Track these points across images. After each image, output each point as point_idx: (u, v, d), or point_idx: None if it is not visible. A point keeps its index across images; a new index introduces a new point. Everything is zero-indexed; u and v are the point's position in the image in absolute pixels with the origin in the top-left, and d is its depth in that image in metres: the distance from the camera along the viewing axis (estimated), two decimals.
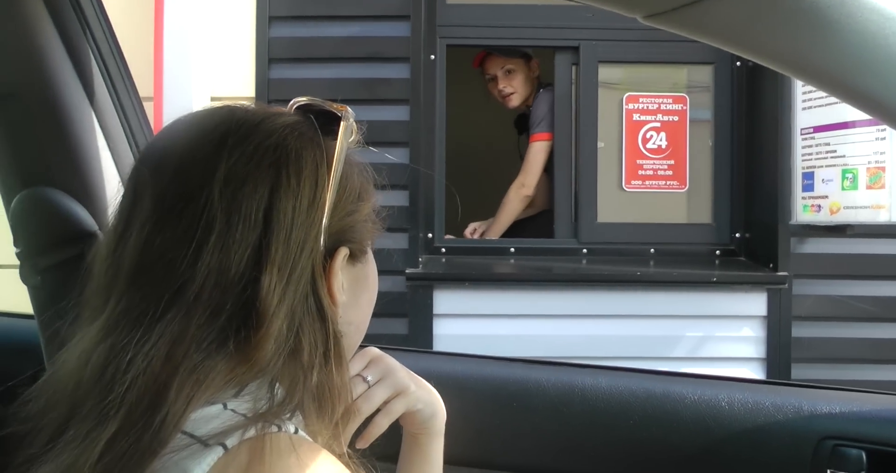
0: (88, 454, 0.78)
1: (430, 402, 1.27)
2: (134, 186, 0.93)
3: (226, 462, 0.77)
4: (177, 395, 0.80)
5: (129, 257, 0.88)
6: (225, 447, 0.78)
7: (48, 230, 1.47)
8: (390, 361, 1.23)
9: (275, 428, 0.81)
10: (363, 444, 1.15)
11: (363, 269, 1.05)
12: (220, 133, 0.91)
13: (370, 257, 1.07)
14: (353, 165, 1.01)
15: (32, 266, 1.49)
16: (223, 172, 0.88)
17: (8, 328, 1.85)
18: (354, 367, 1.18)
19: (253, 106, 0.98)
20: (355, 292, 1.02)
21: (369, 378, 1.19)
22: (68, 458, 0.80)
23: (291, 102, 1.02)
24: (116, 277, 0.89)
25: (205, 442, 0.79)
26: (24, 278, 1.51)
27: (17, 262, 1.51)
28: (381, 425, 1.19)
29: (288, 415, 0.85)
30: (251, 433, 0.79)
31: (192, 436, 0.80)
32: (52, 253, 1.46)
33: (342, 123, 0.97)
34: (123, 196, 0.94)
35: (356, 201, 1.00)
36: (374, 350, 1.24)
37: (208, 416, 0.82)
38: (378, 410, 1.20)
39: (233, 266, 0.86)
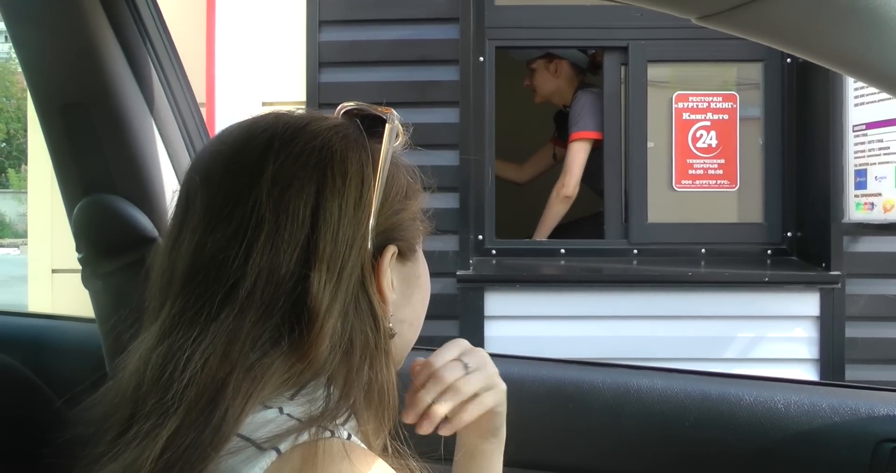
0: (150, 450, 0.80)
1: (506, 407, 1.26)
2: (186, 192, 0.95)
3: (279, 466, 0.79)
4: (235, 393, 0.82)
5: (182, 261, 0.90)
6: (278, 451, 0.79)
7: (109, 236, 1.49)
8: (484, 354, 1.22)
9: (328, 433, 0.82)
10: (448, 431, 1.13)
11: (414, 267, 1.06)
12: (267, 137, 0.94)
13: (420, 256, 1.08)
14: (400, 166, 1.02)
15: (94, 271, 1.51)
16: (270, 173, 0.90)
17: (70, 332, 1.88)
18: (450, 353, 1.17)
19: (299, 111, 1.01)
20: (406, 290, 1.04)
21: (469, 365, 1.17)
22: (131, 455, 0.81)
23: (339, 107, 1.03)
24: (171, 280, 0.91)
25: (259, 446, 0.80)
26: (86, 282, 1.53)
27: (80, 267, 1.54)
28: (472, 413, 1.15)
29: (342, 419, 0.87)
30: (304, 437, 0.80)
31: (247, 439, 0.81)
32: (113, 258, 1.49)
33: (387, 125, 0.98)
34: (177, 203, 0.96)
35: (403, 200, 1.01)
36: (465, 342, 1.23)
37: (265, 420, 0.84)
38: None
39: (283, 265, 0.87)
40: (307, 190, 0.90)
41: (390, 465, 0.87)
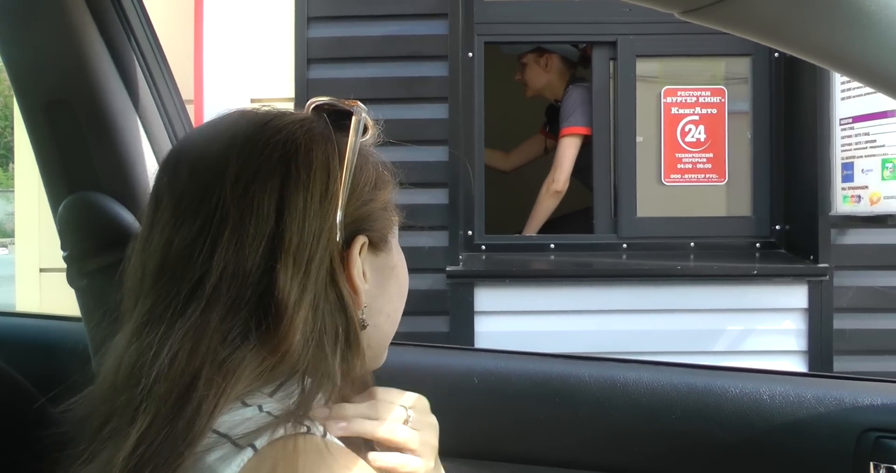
0: (122, 448, 0.80)
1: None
2: (155, 192, 0.96)
3: (256, 463, 0.79)
4: (207, 387, 0.82)
5: (151, 260, 0.91)
6: (255, 448, 0.79)
7: (95, 234, 1.49)
8: (434, 422, 1.12)
9: (303, 428, 0.83)
10: None
11: (387, 258, 1.06)
12: (231, 133, 0.94)
13: (394, 246, 1.08)
14: (368, 157, 1.03)
15: (79, 269, 1.51)
16: (234, 169, 0.91)
17: (57, 331, 1.88)
18: (403, 400, 1.08)
19: (265, 108, 1.01)
20: (380, 281, 1.04)
21: (411, 417, 1.07)
22: (105, 454, 0.82)
23: (308, 102, 1.03)
24: (143, 279, 0.92)
25: (236, 443, 0.80)
26: (71, 281, 1.53)
27: (64, 265, 1.54)
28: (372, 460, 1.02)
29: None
30: (280, 432, 0.81)
31: (224, 436, 0.82)
32: (99, 256, 1.48)
33: (353, 117, 0.99)
34: (148, 204, 0.97)
35: (372, 191, 1.01)
36: (425, 402, 1.13)
37: (244, 417, 0.84)
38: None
39: (248, 258, 0.88)
40: (271, 184, 0.90)
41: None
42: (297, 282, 0.88)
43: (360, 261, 0.97)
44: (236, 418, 0.84)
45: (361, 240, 0.98)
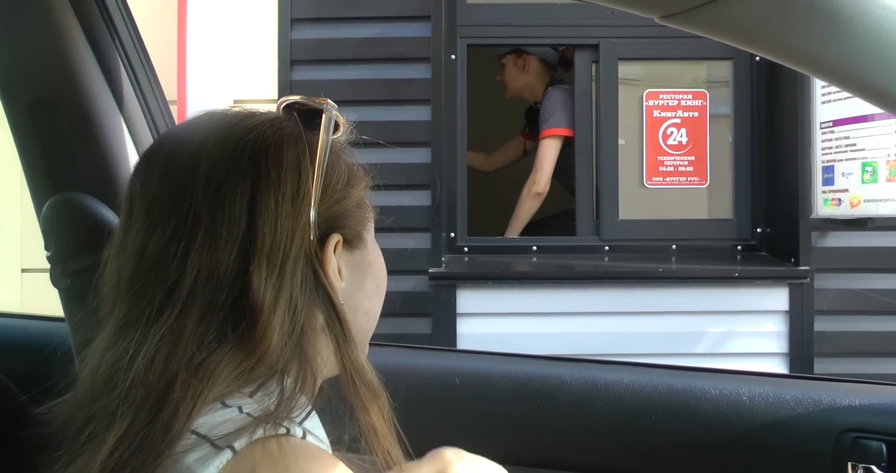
0: (99, 452, 0.80)
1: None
2: (129, 196, 0.95)
3: (234, 465, 0.78)
4: (184, 390, 0.82)
5: (126, 265, 0.91)
6: (234, 450, 0.79)
7: (78, 234, 1.49)
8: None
9: (283, 430, 0.82)
10: None
11: (363, 255, 1.05)
12: (201, 136, 0.94)
13: (370, 243, 1.07)
14: (339, 154, 1.02)
15: (63, 270, 1.51)
16: (204, 171, 0.90)
17: (38, 331, 1.88)
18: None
19: (233, 109, 1.01)
20: (356, 278, 1.03)
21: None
22: (82, 460, 0.82)
23: (279, 101, 1.03)
24: (118, 285, 0.92)
25: (215, 444, 0.80)
26: (55, 281, 1.53)
27: (47, 266, 1.54)
28: None
29: (299, 413, 0.86)
30: (259, 433, 0.80)
31: (203, 437, 0.81)
32: (82, 257, 1.48)
33: (323, 115, 0.98)
34: (121, 210, 0.97)
35: (345, 188, 1.01)
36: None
37: (223, 419, 0.83)
38: None
39: (222, 261, 0.88)
40: (242, 185, 0.90)
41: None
42: (272, 283, 0.88)
43: (336, 259, 0.97)
44: (216, 419, 0.83)
45: (336, 238, 0.97)
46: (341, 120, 1.02)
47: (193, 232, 0.88)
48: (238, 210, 0.89)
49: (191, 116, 1.01)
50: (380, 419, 0.95)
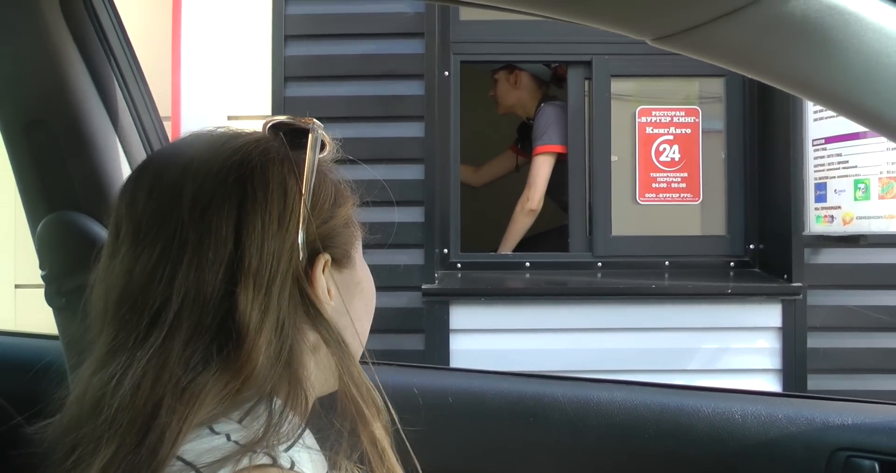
0: None
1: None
2: (115, 219, 0.95)
3: None
4: (169, 415, 0.81)
5: (113, 289, 0.90)
6: None
7: (73, 253, 1.49)
8: None
9: (268, 459, 0.81)
10: None
11: (351, 274, 1.05)
12: (186, 158, 0.93)
13: (359, 262, 1.07)
14: (326, 173, 1.02)
15: (57, 289, 1.51)
16: (190, 193, 0.90)
17: (31, 349, 1.88)
18: None
19: (220, 129, 1.00)
20: (346, 297, 1.03)
21: None
22: None
23: (264, 121, 1.03)
24: (105, 308, 0.91)
25: (199, 471, 0.79)
26: (50, 300, 1.53)
27: (40, 281, 1.54)
28: None
29: (284, 441, 0.86)
30: (245, 463, 0.79)
31: (189, 464, 0.80)
32: (77, 275, 1.48)
33: (310, 134, 0.98)
34: (108, 232, 0.96)
35: (332, 208, 1.00)
36: None
37: (211, 446, 0.82)
38: None
39: (208, 283, 0.87)
40: (228, 206, 0.89)
41: None
42: (258, 304, 0.88)
43: (325, 279, 0.97)
44: (203, 445, 0.83)
45: (324, 258, 0.97)
46: (327, 139, 1.02)
47: (180, 254, 0.88)
48: (224, 232, 0.88)
49: (181, 136, 1.00)
50: (383, 434, 0.96)
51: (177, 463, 0.81)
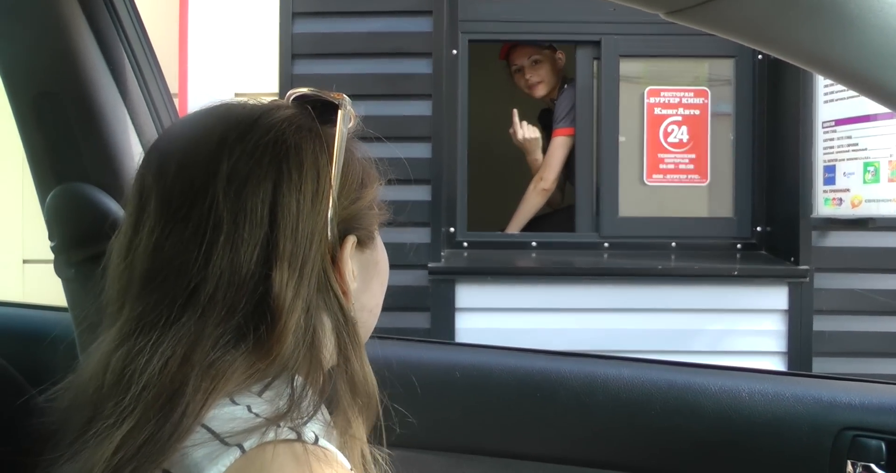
0: (104, 449, 0.79)
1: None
2: (139, 191, 0.94)
3: (242, 465, 0.77)
4: (195, 391, 0.81)
5: (140, 263, 0.89)
6: (243, 449, 0.78)
7: (82, 225, 1.49)
8: None
9: (293, 434, 0.81)
10: None
11: (372, 254, 1.05)
12: (220, 132, 0.92)
13: (378, 241, 1.07)
14: (354, 153, 1.01)
15: (66, 260, 1.51)
16: (225, 171, 0.89)
17: (40, 320, 1.88)
18: None
19: (251, 102, 0.99)
20: (366, 277, 1.03)
21: None
22: (86, 454, 0.81)
23: (289, 93, 1.02)
24: (130, 283, 0.90)
25: (224, 441, 0.79)
26: (59, 271, 1.53)
27: (51, 257, 1.54)
28: None
29: (308, 416, 0.86)
30: (270, 436, 0.79)
31: (213, 432, 0.80)
32: (86, 247, 1.48)
33: (339, 111, 0.97)
34: (130, 202, 0.95)
35: (359, 189, 1.00)
36: None
37: (232, 416, 0.82)
38: None
39: (244, 265, 0.87)
40: (264, 187, 0.89)
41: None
42: (292, 286, 0.88)
43: (350, 260, 0.97)
44: (225, 415, 0.82)
45: (352, 239, 0.97)
46: (352, 114, 1.00)
47: (215, 234, 0.87)
48: (260, 213, 0.88)
49: (204, 107, 0.99)
50: (359, 428, 0.95)
51: (201, 431, 0.81)
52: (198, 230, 0.87)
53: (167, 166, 0.92)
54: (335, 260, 0.94)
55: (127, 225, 0.94)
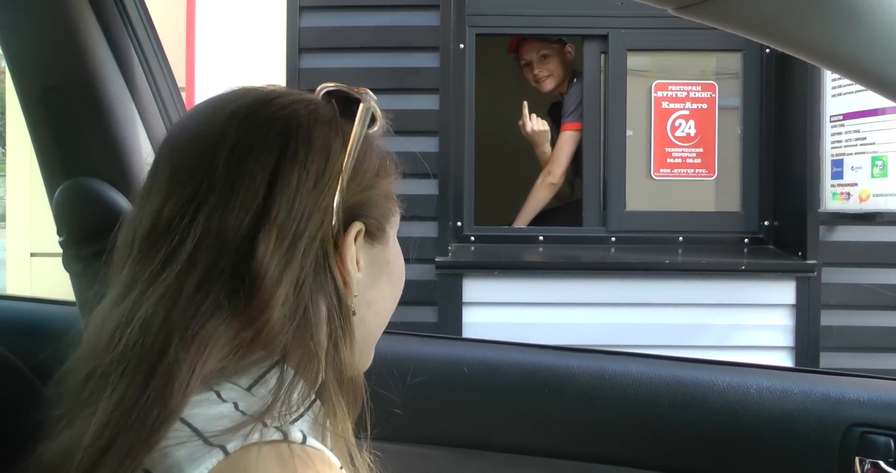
0: (97, 414, 0.79)
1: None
2: (155, 165, 0.95)
3: (224, 468, 0.76)
4: (178, 362, 0.80)
5: (142, 226, 0.90)
6: (225, 451, 0.76)
7: (90, 219, 1.49)
8: None
9: (279, 434, 0.79)
10: None
11: (383, 251, 1.04)
12: (233, 108, 0.94)
13: (392, 241, 1.06)
14: (372, 145, 1.01)
15: (74, 254, 1.51)
16: (231, 141, 0.90)
17: (48, 315, 1.88)
18: None
19: (271, 86, 1.01)
20: (374, 273, 1.02)
21: None
22: (78, 423, 0.81)
23: (319, 87, 1.02)
24: (131, 245, 0.90)
25: (208, 441, 0.77)
26: (67, 265, 1.53)
27: (59, 250, 1.54)
28: None
29: (295, 413, 0.84)
30: (255, 437, 0.77)
31: (196, 431, 0.79)
32: (94, 241, 1.48)
33: (361, 104, 0.98)
34: (146, 177, 0.96)
35: (373, 178, 1.00)
36: None
37: (218, 414, 0.81)
38: None
39: (231, 228, 0.86)
40: (266, 157, 0.89)
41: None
42: (279, 256, 0.87)
43: (355, 248, 0.96)
44: (210, 412, 0.81)
45: (357, 226, 0.96)
46: (379, 113, 1.01)
47: (208, 194, 0.87)
48: (258, 181, 0.88)
49: (225, 90, 1.00)
50: (345, 421, 0.93)
51: (184, 429, 0.79)
52: (196, 193, 0.88)
53: (181, 141, 0.94)
54: (338, 245, 0.94)
55: (139, 197, 0.95)
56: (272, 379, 0.87)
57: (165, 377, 0.80)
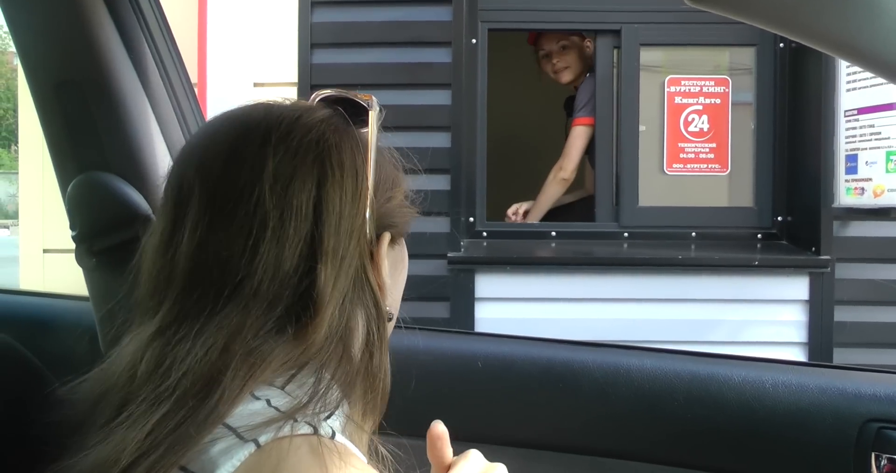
0: (137, 432, 0.80)
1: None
2: (178, 186, 0.94)
3: (257, 460, 0.77)
4: (232, 378, 0.82)
5: (183, 258, 0.90)
6: (258, 443, 0.77)
7: (103, 214, 1.49)
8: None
9: (309, 429, 0.80)
10: None
11: (400, 251, 1.08)
12: (263, 131, 0.94)
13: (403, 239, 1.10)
14: (383, 152, 1.04)
15: (88, 249, 1.51)
16: (271, 169, 0.91)
17: (60, 310, 1.89)
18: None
19: (287, 101, 1.02)
20: (393, 273, 1.05)
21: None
22: (118, 436, 0.81)
23: (314, 95, 1.03)
24: (170, 278, 0.91)
25: (240, 436, 0.79)
26: (80, 260, 1.53)
27: (71, 246, 1.54)
28: None
29: (327, 412, 0.85)
30: (286, 430, 0.79)
31: (229, 428, 0.80)
32: (107, 236, 1.49)
33: (371, 113, 0.99)
34: (167, 198, 0.96)
35: (392, 188, 1.03)
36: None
37: (252, 411, 0.82)
38: None
39: (288, 259, 0.88)
40: (308, 185, 0.91)
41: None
42: (332, 280, 0.90)
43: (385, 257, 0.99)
44: (245, 410, 0.83)
45: (387, 236, 1.00)
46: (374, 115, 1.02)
47: (261, 230, 0.89)
48: (305, 209, 0.90)
49: (241, 105, 1.01)
50: (369, 422, 0.95)
51: (219, 427, 0.81)
52: (244, 226, 0.89)
53: (212, 164, 0.94)
54: (373, 256, 0.97)
55: (166, 221, 0.94)
56: (305, 377, 0.88)
57: (218, 394, 0.81)
